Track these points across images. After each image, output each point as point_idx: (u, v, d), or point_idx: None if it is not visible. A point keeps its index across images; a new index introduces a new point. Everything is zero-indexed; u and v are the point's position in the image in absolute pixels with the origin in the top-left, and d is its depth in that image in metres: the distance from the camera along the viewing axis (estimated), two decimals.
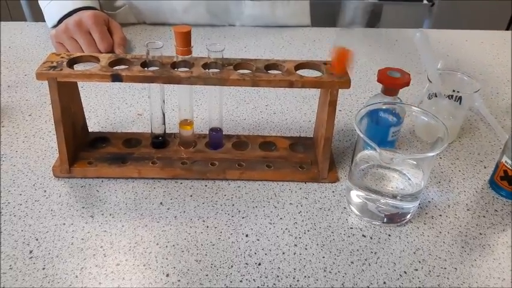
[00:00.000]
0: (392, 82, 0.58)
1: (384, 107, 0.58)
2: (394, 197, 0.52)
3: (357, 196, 0.54)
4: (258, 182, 0.58)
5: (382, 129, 0.60)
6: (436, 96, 0.66)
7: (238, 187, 0.57)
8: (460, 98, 0.65)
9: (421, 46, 0.60)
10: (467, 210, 0.56)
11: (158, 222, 0.52)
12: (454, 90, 0.65)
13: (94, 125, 0.68)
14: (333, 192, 0.57)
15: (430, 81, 0.64)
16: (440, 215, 0.55)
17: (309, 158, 0.60)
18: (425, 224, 0.54)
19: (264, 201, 0.55)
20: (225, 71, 0.54)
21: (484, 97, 0.78)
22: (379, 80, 0.59)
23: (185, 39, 0.53)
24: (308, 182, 0.58)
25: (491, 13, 2.02)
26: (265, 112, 0.71)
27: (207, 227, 0.52)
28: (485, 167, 0.62)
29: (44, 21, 0.94)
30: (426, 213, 0.55)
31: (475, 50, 0.96)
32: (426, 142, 0.65)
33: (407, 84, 0.59)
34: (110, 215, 0.53)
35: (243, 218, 0.53)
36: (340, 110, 0.73)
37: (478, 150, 0.66)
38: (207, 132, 0.62)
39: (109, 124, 0.68)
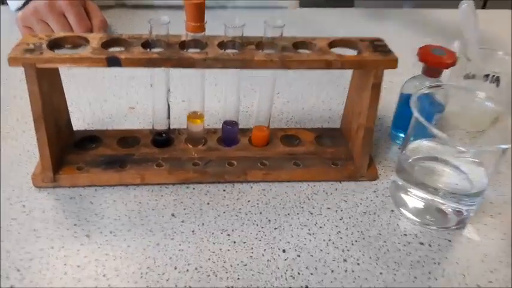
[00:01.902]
0: (437, 61, 0.50)
1: (427, 91, 0.50)
2: (452, 195, 0.44)
3: (408, 195, 0.46)
4: (285, 183, 0.49)
5: (425, 117, 0.51)
6: (473, 77, 0.58)
7: (263, 190, 0.48)
8: (498, 79, 0.58)
9: (466, 18, 0.52)
10: None
11: (173, 239, 0.42)
12: (492, 71, 0.58)
13: (77, 121, 0.57)
14: (375, 192, 0.49)
15: (469, 60, 0.57)
16: (500, 213, 0.47)
17: (341, 152, 0.51)
18: (486, 225, 0.46)
19: (296, 206, 0.46)
20: (247, 51, 0.44)
21: None
22: (422, 59, 0.51)
23: (198, 13, 0.43)
24: (343, 180, 0.50)
25: None
26: (277, 101, 0.62)
27: (234, 242, 0.42)
28: None
29: (6, 3, 0.81)
30: (483, 212, 0.47)
31: None
32: (465, 131, 0.58)
33: (453, 64, 0.50)
34: (111, 232, 0.42)
35: (275, 229, 0.44)
36: None
37: None
38: (215, 127, 0.52)
39: (96, 120, 0.57)
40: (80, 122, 0.57)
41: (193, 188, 0.48)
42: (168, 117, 0.49)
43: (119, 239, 0.42)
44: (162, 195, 0.47)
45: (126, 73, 0.67)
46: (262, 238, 0.43)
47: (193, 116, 0.50)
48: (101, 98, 0.61)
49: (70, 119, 0.52)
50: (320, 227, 0.44)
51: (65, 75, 0.65)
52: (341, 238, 0.43)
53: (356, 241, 0.43)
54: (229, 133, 0.51)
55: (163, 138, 0.50)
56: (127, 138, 0.51)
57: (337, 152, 0.51)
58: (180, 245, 0.42)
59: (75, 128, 0.53)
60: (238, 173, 0.48)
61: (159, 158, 0.49)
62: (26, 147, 0.52)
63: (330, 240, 0.43)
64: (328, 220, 0.45)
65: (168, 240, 0.42)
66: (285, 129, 0.55)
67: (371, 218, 0.45)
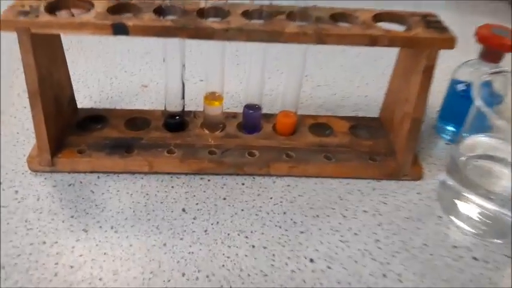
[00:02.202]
0: (500, 43, 0.42)
1: (488, 78, 0.42)
2: None
3: (461, 200, 0.39)
4: (314, 179, 0.42)
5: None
6: None
7: (288, 186, 0.42)
8: None
9: None
10: None
11: (182, 239, 0.36)
12: None
13: (84, 99, 0.51)
14: (419, 193, 0.42)
15: None
16: None
17: (380, 145, 0.45)
18: None
19: (326, 207, 0.40)
20: (276, 22, 0.37)
21: None
22: (481, 40, 0.43)
23: None
24: (382, 179, 0.43)
25: None
26: (305, 85, 0.55)
27: (253, 246, 0.36)
28: None
29: None
30: None
31: None
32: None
33: None
34: (112, 228, 0.37)
35: (301, 232, 0.37)
36: None
37: None
38: (235, 111, 0.46)
39: (104, 98, 0.51)
40: (86, 99, 0.51)
41: (208, 180, 0.42)
42: (183, 98, 0.43)
43: (121, 235, 0.36)
44: (172, 187, 0.41)
45: (140, 47, 0.61)
46: (286, 243, 0.36)
47: (211, 97, 0.43)
48: (111, 74, 0.55)
49: (74, 96, 0.46)
50: (355, 234, 0.38)
51: (72, 47, 0.60)
52: (380, 248, 0.36)
53: (397, 252, 0.36)
54: (251, 118, 0.45)
55: (176, 121, 0.44)
56: (136, 120, 0.46)
57: (375, 146, 0.45)
58: (190, 246, 0.36)
59: (80, 106, 0.47)
60: (260, 165, 0.42)
61: (171, 144, 0.43)
62: (26, 125, 0.47)
63: (366, 250, 0.36)
64: (364, 226, 0.38)
65: (176, 240, 0.36)
66: (314, 116, 0.48)
67: (414, 225, 0.39)
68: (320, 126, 0.47)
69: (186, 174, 0.42)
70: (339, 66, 0.60)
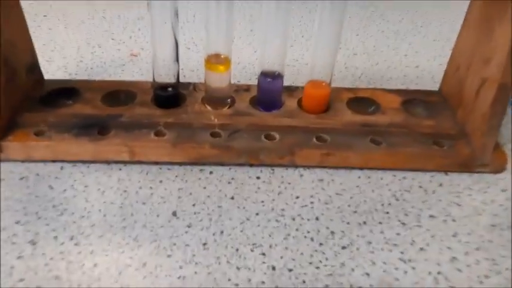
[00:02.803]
0: None
1: None
2: None
3: None
4: (357, 171, 0.31)
5: None
6: None
7: (320, 181, 0.30)
8: None
9: None
10: None
11: (170, 256, 0.25)
12: None
13: (56, 71, 0.40)
14: (504, 191, 0.30)
15: None
16: None
17: (446, 126, 0.33)
18: None
19: (377, 210, 0.28)
20: None
21: None
22: None
23: None
24: (452, 171, 0.31)
25: None
26: (341, 53, 0.44)
27: (273, 268, 0.25)
28: None
29: None
30: None
31: None
32: None
33: None
34: (71, 239, 0.26)
35: (343, 248, 0.26)
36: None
37: None
38: (249, 83, 0.35)
39: (82, 70, 0.41)
40: (60, 71, 0.40)
41: (210, 172, 0.30)
42: (176, 60, 0.32)
43: (83, 251, 0.25)
44: (160, 181, 0.30)
45: (132, 12, 0.50)
46: (322, 264, 0.25)
47: (215, 60, 0.32)
48: (94, 42, 0.45)
49: (37, 64, 0.35)
50: (421, 249, 0.26)
51: (51, 13, 0.50)
52: (459, 271, 0.25)
53: (486, 277, 0.25)
54: (269, 89, 0.33)
55: (168, 94, 0.33)
56: (118, 93, 0.35)
57: (439, 126, 0.33)
58: (181, 268, 0.25)
59: (49, 78, 0.37)
60: (282, 152, 0.30)
61: (160, 123, 0.31)
62: None
63: (440, 273, 0.25)
64: (433, 237, 0.27)
65: (161, 259, 0.25)
66: (353, 89, 0.36)
67: (505, 236, 0.27)
68: (361, 101, 0.35)
69: (180, 164, 0.31)
70: (379, 32, 0.48)
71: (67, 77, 0.39)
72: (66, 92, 0.35)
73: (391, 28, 0.49)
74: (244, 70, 0.41)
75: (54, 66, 0.41)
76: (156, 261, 0.25)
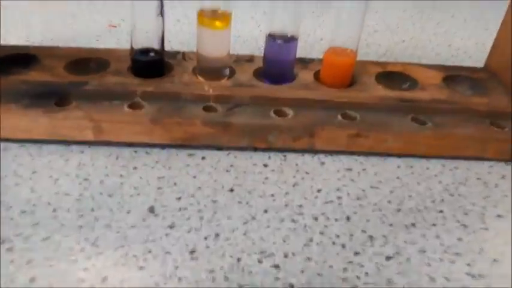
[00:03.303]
0: None
1: None
2: None
3: None
4: (396, 159, 0.24)
5: None
6: None
7: (348, 170, 0.23)
8: None
9: None
10: None
11: (142, 268, 0.18)
12: None
13: (17, 40, 0.33)
14: None
15: None
16: None
17: (502, 105, 0.26)
18: None
19: (427, 209, 0.21)
20: None
21: None
22: None
23: None
24: None
25: None
26: (367, 30, 0.37)
27: (291, 287, 0.17)
28: None
29: None
30: None
31: None
32: None
33: None
34: (2, 243, 0.18)
35: (387, 258, 0.18)
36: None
37: None
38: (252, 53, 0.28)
39: (48, 39, 0.34)
40: (20, 41, 0.33)
41: (203, 158, 0.23)
42: (161, 14, 0.25)
43: (17, 260, 0.18)
44: (135, 168, 0.22)
45: None
46: (360, 281, 0.17)
47: (210, 14, 0.25)
48: (67, 11, 0.38)
49: None
50: (494, 261, 0.19)
51: None
52: None
53: None
54: (279, 56, 0.26)
55: (149, 60, 0.26)
56: (87, 62, 0.27)
57: (493, 104, 0.26)
58: (156, 285, 0.17)
59: (5, 43, 0.29)
60: (297, 132, 0.23)
61: (137, 93, 0.24)
62: None
63: None
64: (506, 244, 0.19)
65: (132, 271, 0.17)
66: (381, 63, 0.29)
67: None
68: (393, 76, 0.28)
69: (162, 146, 0.23)
70: (401, 10, 0.42)
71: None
72: (22, 59, 0.27)
73: (415, 6, 0.42)
74: (246, 44, 0.34)
75: (13, 36, 0.33)
76: (122, 274, 0.17)
